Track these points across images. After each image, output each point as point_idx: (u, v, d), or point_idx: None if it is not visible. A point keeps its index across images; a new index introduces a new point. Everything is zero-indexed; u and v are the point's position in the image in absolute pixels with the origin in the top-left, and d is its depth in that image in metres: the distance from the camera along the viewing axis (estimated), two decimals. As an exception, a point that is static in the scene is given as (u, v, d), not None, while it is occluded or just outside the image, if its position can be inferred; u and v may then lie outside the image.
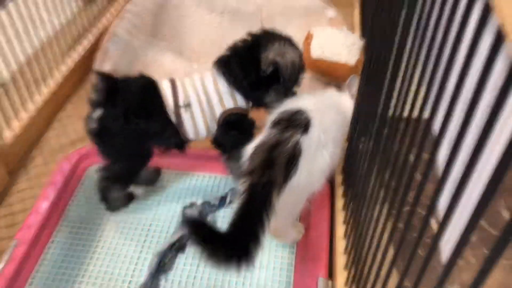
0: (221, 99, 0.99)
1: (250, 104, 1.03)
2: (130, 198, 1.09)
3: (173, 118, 0.96)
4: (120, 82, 0.95)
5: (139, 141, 0.98)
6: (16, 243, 0.98)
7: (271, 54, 0.95)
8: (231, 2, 1.64)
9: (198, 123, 0.99)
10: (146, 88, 0.97)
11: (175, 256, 0.98)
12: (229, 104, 0.99)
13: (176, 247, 0.99)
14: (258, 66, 0.95)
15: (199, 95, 0.98)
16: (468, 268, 0.99)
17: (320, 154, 0.85)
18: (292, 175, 0.81)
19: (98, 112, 0.93)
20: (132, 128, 0.94)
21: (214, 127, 1.01)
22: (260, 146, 0.83)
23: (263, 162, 0.79)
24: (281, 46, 0.95)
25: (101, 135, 0.96)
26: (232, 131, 1.01)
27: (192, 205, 1.05)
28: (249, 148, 0.85)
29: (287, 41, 0.98)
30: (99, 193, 1.05)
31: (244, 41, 0.99)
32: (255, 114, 1.06)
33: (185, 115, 0.97)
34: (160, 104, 0.96)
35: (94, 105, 0.94)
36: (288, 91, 1.00)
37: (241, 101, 1.00)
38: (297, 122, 0.84)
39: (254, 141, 0.86)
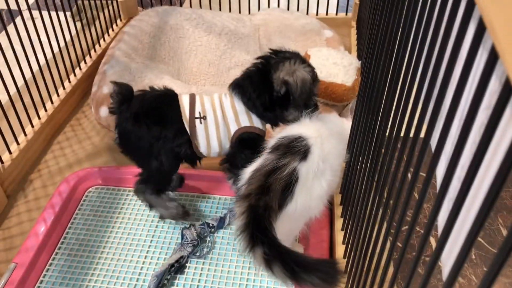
0: (236, 117, 1.01)
1: (267, 124, 1.05)
2: (184, 212, 1.08)
3: (187, 127, 0.98)
4: (138, 91, 1.02)
5: (155, 146, 0.99)
6: (14, 267, 0.97)
7: (282, 74, 0.96)
8: (228, 23, 1.67)
9: (211, 137, 1.00)
10: (163, 95, 1.02)
11: (174, 277, 0.98)
12: (245, 122, 1.01)
13: (175, 268, 0.98)
14: (270, 87, 0.97)
15: (215, 110, 1.01)
16: (470, 286, 0.98)
17: (317, 182, 0.84)
18: (288, 202, 0.81)
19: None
20: (143, 130, 0.97)
21: (227, 144, 1.02)
22: (257, 171, 0.83)
23: (259, 187, 0.80)
24: (291, 65, 0.97)
25: (121, 140, 1.02)
26: (245, 150, 1.01)
27: (191, 226, 1.05)
28: (247, 172, 0.85)
29: (297, 58, 0.99)
30: (145, 203, 1.08)
31: (255, 65, 1.02)
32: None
33: (199, 126, 0.99)
34: (176, 112, 0.99)
35: (112, 112, 1.01)
36: (301, 109, 1.00)
37: (257, 121, 1.02)
38: (296, 149, 0.84)
39: (252, 165, 0.86)
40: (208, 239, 1.05)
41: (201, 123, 0.99)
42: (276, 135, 0.91)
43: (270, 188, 0.80)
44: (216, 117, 1.00)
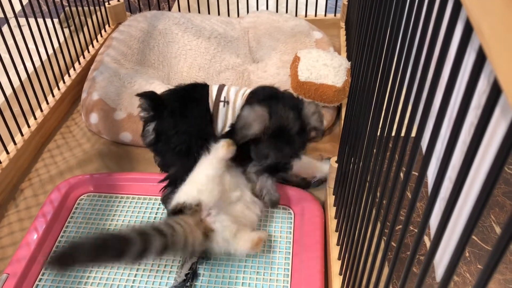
0: None
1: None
2: None
3: (211, 107, 1.10)
4: (166, 91, 1.14)
5: (188, 139, 1.08)
6: (6, 277, 0.96)
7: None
8: (217, 27, 1.66)
9: (228, 119, 1.10)
10: (193, 85, 1.16)
11: (191, 285, 0.97)
12: None
13: (190, 275, 0.97)
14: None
15: (237, 97, 1.11)
16: (464, 284, 0.99)
17: None
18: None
19: (152, 125, 1.09)
20: (180, 120, 1.07)
21: None
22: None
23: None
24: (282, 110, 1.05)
25: (157, 142, 1.09)
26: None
27: None
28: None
29: (287, 101, 1.07)
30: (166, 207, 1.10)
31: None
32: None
33: (221, 109, 1.11)
34: (205, 96, 1.12)
35: (147, 121, 1.10)
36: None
37: None
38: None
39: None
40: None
41: (224, 106, 1.11)
42: None
43: None
44: (235, 103, 1.11)
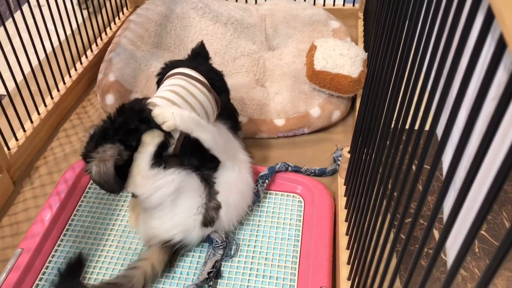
0: None
1: None
2: None
3: None
4: None
5: None
6: (21, 252, 0.98)
7: None
8: (234, 13, 1.66)
9: None
10: None
11: (216, 283, 0.97)
12: None
13: (214, 274, 0.97)
14: None
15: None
16: (473, 280, 0.98)
17: None
18: None
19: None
20: None
21: None
22: None
23: None
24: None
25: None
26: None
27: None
28: None
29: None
30: None
31: None
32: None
33: None
34: None
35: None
36: None
37: None
38: None
39: None
40: (233, 237, 1.05)
41: None
42: None
43: None
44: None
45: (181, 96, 1.00)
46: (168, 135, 0.95)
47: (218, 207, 1.00)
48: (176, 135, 0.96)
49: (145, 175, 0.92)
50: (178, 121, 0.93)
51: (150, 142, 0.93)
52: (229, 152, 1.05)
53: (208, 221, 0.99)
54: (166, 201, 0.95)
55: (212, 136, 0.98)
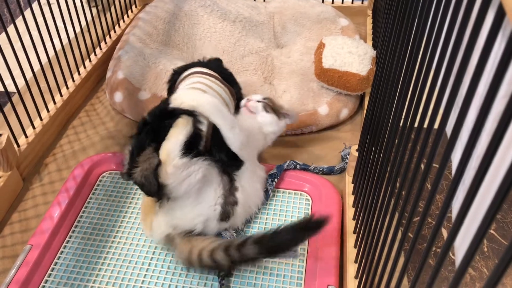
0: None
1: None
2: None
3: None
4: None
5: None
6: (30, 248, 0.99)
7: None
8: (243, 10, 1.66)
9: None
10: None
11: (228, 281, 0.97)
12: None
13: (225, 273, 0.97)
14: None
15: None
16: (481, 279, 0.98)
17: None
18: None
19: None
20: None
21: None
22: None
23: None
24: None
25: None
26: None
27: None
28: None
29: None
30: None
31: None
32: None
33: None
34: None
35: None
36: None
37: None
38: None
39: None
40: (243, 235, 1.05)
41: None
42: None
43: None
44: None
45: (203, 91, 1.03)
46: (196, 122, 0.95)
47: (235, 203, 1.00)
48: (204, 127, 0.96)
49: (176, 164, 0.91)
50: (195, 102, 0.94)
51: (180, 130, 0.93)
52: (248, 149, 1.04)
53: (224, 215, 0.99)
54: (192, 189, 0.95)
55: (231, 124, 0.97)
